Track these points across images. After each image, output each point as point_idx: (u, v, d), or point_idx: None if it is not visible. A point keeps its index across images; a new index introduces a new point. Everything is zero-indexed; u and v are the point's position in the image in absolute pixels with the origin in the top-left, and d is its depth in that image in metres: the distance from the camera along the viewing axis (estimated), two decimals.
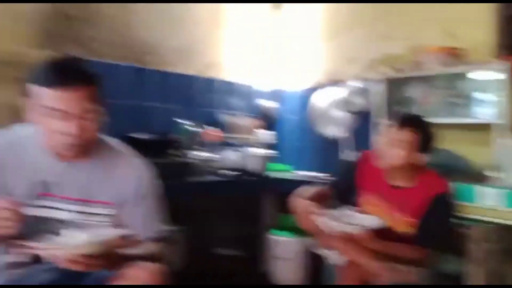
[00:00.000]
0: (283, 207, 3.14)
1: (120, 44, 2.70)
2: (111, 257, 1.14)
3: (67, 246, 1.06)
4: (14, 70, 2.26)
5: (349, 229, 1.62)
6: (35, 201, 1.24)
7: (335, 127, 2.98)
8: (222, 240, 2.88)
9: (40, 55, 2.34)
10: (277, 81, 3.57)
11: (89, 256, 1.07)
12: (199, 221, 2.72)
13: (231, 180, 2.70)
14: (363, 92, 2.90)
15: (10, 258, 1.24)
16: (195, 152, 2.70)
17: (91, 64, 1.26)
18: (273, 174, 3.03)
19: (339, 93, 3.00)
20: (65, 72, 1.16)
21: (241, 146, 3.20)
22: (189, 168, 2.57)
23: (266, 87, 3.53)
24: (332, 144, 3.09)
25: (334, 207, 1.83)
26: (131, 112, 2.70)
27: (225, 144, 3.12)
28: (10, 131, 1.31)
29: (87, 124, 1.20)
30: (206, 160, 2.70)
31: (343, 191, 1.93)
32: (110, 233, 1.15)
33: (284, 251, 2.94)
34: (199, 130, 2.88)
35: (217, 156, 2.96)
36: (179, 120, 2.83)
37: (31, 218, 1.22)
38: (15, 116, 2.19)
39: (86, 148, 1.26)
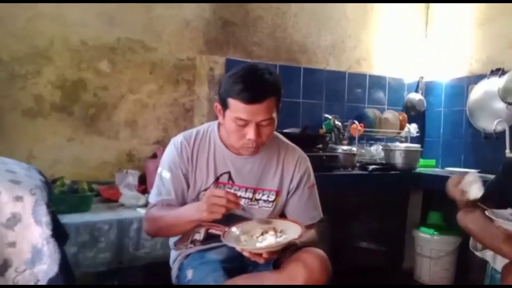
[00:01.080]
0: (430, 204, 3.06)
1: (274, 45, 2.91)
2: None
3: (252, 245, 1.23)
4: (185, 73, 2.63)
5: None
6: (217, 189, 1.45)
7: (494, 120, 2.75)
8: (365, 234, 2.92)
9: (206, 60, 2.69)
10: (426, 72, 3.43)
11: (269, 253, 1.22)
12: (344, 214, 2.81)
13: (377, 175, 2.71)
14: None
15: (190, 237, 1.48)
16: (342, 146, 2.78)
17: (273, 70, 1.38)
18: (420, 170, 2.94)
19: (499, 82, 2.75)
20: (255, 89, 1.31)
21: (387, 140, 3.18)
22: (336, 161, 2.66)
23: (414, 79, 3.42)
24: (489, 139, 2.86)
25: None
26: (283, 108, 2.87)
27: (372, 139, 3.15)
28: (200, 129, 1.53)
29: (265, 130, 1.37)
30: (353, 154, 2.76)
31: (505, 193, 1.81)
32: (293, 230, 1.28)
33: (430, 249, 2.85)
34: (347, 124, 2.95)
35: (363, 150, 3.01)
36: (327, 115, 2.95)
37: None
38: (185, 111, 2.61)
39: (263, 146, 1.45)
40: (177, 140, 1.50)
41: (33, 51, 2.23)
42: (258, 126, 1.34)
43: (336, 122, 2.92)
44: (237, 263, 1.36)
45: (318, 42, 3.06)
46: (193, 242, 1.48)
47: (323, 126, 2.94)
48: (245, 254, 1.22)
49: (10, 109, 2.20)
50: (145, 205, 2.02)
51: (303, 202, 1.52)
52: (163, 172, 1.47)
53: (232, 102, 1.33)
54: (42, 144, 2.27)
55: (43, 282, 0.91)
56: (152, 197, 1.49)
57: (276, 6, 2.90)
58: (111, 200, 2.14)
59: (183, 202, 1.45)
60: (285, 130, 2.63)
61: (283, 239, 1.24)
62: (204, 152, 1.48)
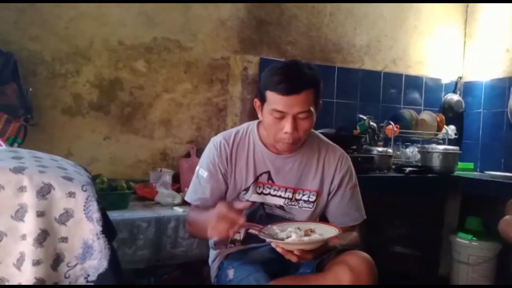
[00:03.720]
0: (469, 209, 2.96)
1: (308, 45, 2.88)
2: (323, 250, 1.23)
3: (284, 241, 1.20)
4: (219, 72, 2.63)
5: None
6: (257, 188, 1.45)
7: None
8: (401, 238, 2.85)
9: (241, 59, 2.68)
10: (465, 72, 3.33)
11: (301, 251, 1.18)
12: (378, 217, 2.74)
13: (413, 177, 2.64)
14: None
15: (235, 237, 1.46)
16: (377, 148, 2.73)
17: (313, 66, 1.37)
18: (458, 173, 2.85)
19: None
20: (293, 81, 1.29)
21: (424, 142, 3.10)
22: (371, 163, 2.61)
23: (452, 79, 3.32)
24: None
25: None
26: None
27: (408, 140, 3.07)
28: (240, 129, 1.52)
29: (303, 123, 1.33)
30: (388, 156, 2.70)
31: None
32: (315, 228, 1.26)
33: (468, 255, 2.76)
34: (382, 125, 2.89)
35: (399, 152, 2.94)
36: (362, 116, 2.90)
37: (253, 203, 1.44)
38: (218, 110, 2.61)
39: (300, 143, 1.42)
40: (216, 140, 1.49)
41: (73, 51, 2.27)
42: (295, 119, 1.32)
43: (371, 123, 2.86)
44: (278, 265, 1.34)
45: (354, 41, 3.01)
46: (233, 242, 1.47)
47: (358, 127, 2.89)
48: (278, 249, 1.19)
49: (51, 107, 2.24)
50: (181, 203, 2.04)
51: (345, 203, 1.49)
52: (201, 171, 1.46)
53: (269, 94, 1.32)
54: (80, 142, 2.31)
55: (93, 277, 0.92)
56: (188, 196, 1.49)
57: (312, 5, 2.87)
58: (147, 198, 2.16)
59: None
60: (319, 131, 2.58)
61: (314, 238, 1.21)
62: (243, 152, 1.46)
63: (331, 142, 1.55)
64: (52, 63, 2.24)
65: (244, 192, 1.44)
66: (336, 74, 2.94)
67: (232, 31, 2.65)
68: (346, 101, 2.98)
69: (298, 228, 1.25)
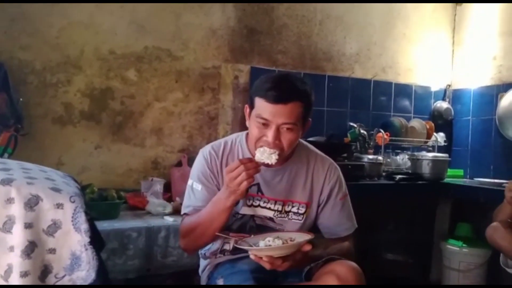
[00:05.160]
0: (459, 215, 2.98)
1: (299, 53, 2.91)
2: (300, 258, 1.23)
3: (261, 249, 1.21)
4: (210, 81, 2.65)
5: None
6: (248, 200, 1.44)
7: None
8: (392, 245, 2.86)
9: (231, 68, 2.70)
10: (453, 80, 3.37)
11: (279, 258, 1.19)
12: (369, 224, 2.75)
13: (403, 185, 2.66)
14: None
15: (220, 246, 1.47)
16: (367, 155, 2.75)
17: (306, 80, 1.39)
18: (448, 180, 2.88)
19: None
20: (281, 90, 1.29)
21: (414, 149, 3.13)
22: (361, 170, 2.63)
23: (441, 87, 3.37)
24: None
25: None
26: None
27: (398, 148, 3.10)
28: (228, 140, 1.52)
29: (286, 135, 1.33)
30: (379, 163, 2.72)
31: None
32: (298, 237, 1.27)
33: (459, 262, 2.78)
34: (372, 133, 2.92)
35: (389, 159, 2.96)
36: (352, 124, 2.92)
37: (242, 215, 1.45)
38: (210, 119, 2.62)
39: (283, 155, 1.42)
40: (206, 150, 1.49)
41: (64, 60, 2.28)
42: (278, 129, 1.31)
43: (362, 131, 2.89)
44: (267, 273, 1.34)
45: (343, 50, 3.05)
46: (223, 252, 1.47)
47: (348, 135, 2.91)
48: (252, 257, 1.21)
49: (42, 117, 2.24)
50: (172, 213, 2.04)
51: (336, 214, 1.49)
52: (194, 184, 1.45)
53: (258, 100, 1.32)
54: (71, 151, 2.31)
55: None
56: (184, 209, 1.48)
57: (302, 14, 2.90)
58: (138, 207, 2.15)
59: None
60: (309, 139, 2.61)
61: (279, 244, 1.23)
62: (232, 163, 1.47)
63: (320, 153, 1.55)
64: (43, 73, 2.24)
65: (235, 204, 1.44)
66: (326, 82, 2.97)
67: (223, 40, 2.67)
68: (337, 109, 3.00)
69: (278, 237, 1.26)
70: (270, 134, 1.31)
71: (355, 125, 2.91)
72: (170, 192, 2.37)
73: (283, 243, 1.22)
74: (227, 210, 1.32)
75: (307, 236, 1.25)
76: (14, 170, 0.97)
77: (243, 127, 1.50)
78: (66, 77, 2.29)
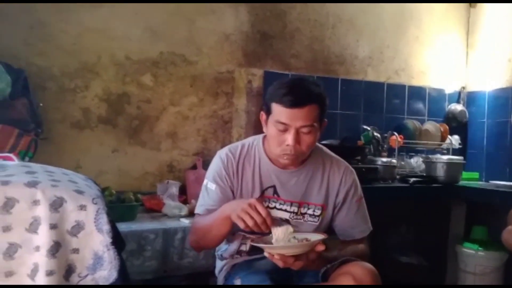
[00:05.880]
0: (474, 218, 2.96)
1: (312, 57, 2.93)
2: (313, 258, 1.25)
3: (275, 247, 1.23)
4: (224, 85, 2.68)
5: None
6: (264, 202, 1.45)
7: None
8: (406, 248, 2.85)
9: (245, 72, 2.72)
10: (468, 82, 3.35)
11: (292, 257, 1.21)
12: (383, 227, 2.75)
13: (418, 187, 2.65)
14: None
15: (237, 247, 1.50)
16: (381, 158, 2.75)
17: (319, 83, 1.42)
18: (463, 183, 2.86)
19: None
20: (297, 94, 1.33)
21: (428, 152, 3.12)
22: (375, 173, 2.63)
23: (455, 89, 3.35)
24: None
25: None
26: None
27: (412, 150, 3.09)
28: (245, 143, 1.55)
29: (304, 138, 1.37)
30: (393, 166, 2.71)
31: None
32: (312, 236, 1.29)
33: (475, 265, 2.75)
34: (386, 136, 2.92)
35: (403, 162, 2.96)
36: (366, 127, 2.93)
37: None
38: (224, 123, 2.65)
39: (303, 157, 1.45)
40: (223, 153, 1.52)
41: (81, 66, 2.33)
42: (298, 132, 1.35)
43: (375, 134, 2.89)
44: (284, 274, 1.36)
45: (356, 53, 3.05)
46: (240, 252, 1.50)
47: (362, 138, 2.91)
48: (266, 254, 1.23)
49: (60, 121, 2.29)
50: (188, 215, 2.07)
51: (351, 216, 1.51)
52: (209, 184, 1.49)
53: (274, 106, 1.36)
54: (89, 154, 2.35)
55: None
56: (197, 208, 1.52)
57: (314, 18, 2.92)
58: (154, 210, 2.19)
59: None
60: (323, 142, 2.61)
61: (292, 243, 1.24)
62: (249, 165, 1.49)
63: (335, 156, 1.57)
64: (61, 78, 2.29)
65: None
66: (339, 86, 2.97)
67: (237, 45, 2.70)
68: (350, 112, 3.01)
69: (294, 237, 1.28)
70: (290, 138, 1.34)
71: (369, 128, 2.91)
72: (186, 195, 2.40)
73: (295, 241, 1.24)
74: (225, 220, 1.32)
75: (321, 236, 1.27)
76: (39, 173, 1.01)
77: (256, 130, 1.52)
78: (84, 82, 2.34)
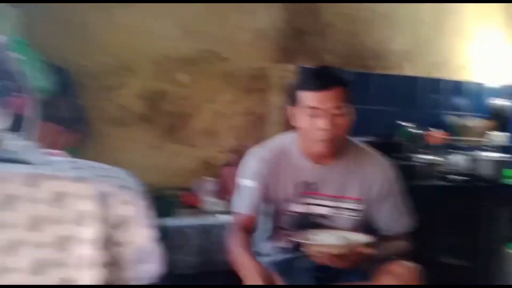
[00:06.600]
0: None
1: (346, 52, 2.88)
2: (356, 258, 1.24)
3: (321, 245, 1.23)
4: (259, 83, 2.68)
5: None
6: (300, 199, 1.46)
7: None
8: (449, 248, 2.76)
9: (279, 68, 2.71)
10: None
11: (338, 256, 1.21)
12: (423, 227, 2.67)
13: (459, 186, 2.57)
14: None
15: (278, 244, 1.50)
16: (419, 155, 2.68)
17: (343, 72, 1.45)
18: (508, 181, 2.74)
19: None
20: (323, 77, 1.37)
21: (470, 149, 3.01)
22: (413, 171, 2.56)
23: (498, 84, 3.22)
24: None
25: None
26: (357, 116, 2.82)
27: (453, 147, 2.99)
28: (277, 140, 1.55)
29: (337, 120, 1.35)
30: (432, 164, 2.64)
31: None
32: (357, 237, 1.27)
33: None
34: (424, 132, 2.84)
35: (443, 159, 2.86)
36: (403, 123, 2.85)
37: (296, 213, 1.46)
38: (258, 119, 2.65)
39: (338, 150, 1.43)
40: (257, 151, 1.52)
41: (119, 64, 2.38)
42: (329, 115, 1.34)
43: (413, 130, 2.82)
44: (328, 272, 1.35)
45: (392, 47, 2.98)
46: (281, 250, 1.49)
47: (399, 134, 2.84)
48: (308, 251, 1.24)
49: (99, 118, 2.35)
50: (224, 211, 2.08)
51: (393, 210, 1.48)
52: (245, 182, 1.48)
53: (301, 94, 1.37)
54: (127, 151, 2.40)
55: (147, 280, 0.97)
56: (236, 207, 1.52)
57: (349, 13, 2.87)
58: (192, 206, 2.22)
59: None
60: (358, 138, 2.57)
61: (332, 239, 1.23)
62: (283, 162, 1.48)
63: (372, 150, 1.55)
64: (99, 76, 2.35)
65: (287, 202, 1.46)
66: (374, 81, 2.92)
67: (270, 41, 2.70)
68: (386, 108, 2.94)
69: (334, 235, 1.27)
70: (321, 121, 1.34)
71: (406, 124, 2.84)
72: (221, 191, 2.42)
73: (340, 241, 1.22)
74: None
75: (365, 238, 1.25)
76: (85, 169, 1.04)
77: (291, 126, 1.51)
78: (122, 80, 2.39)
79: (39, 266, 0.90)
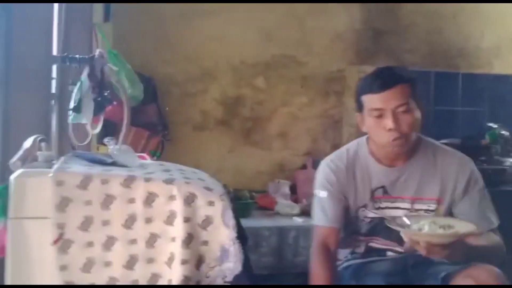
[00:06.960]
0: None
1: (429, 51, 2.76)
2: (459, 248, 1.19)
3: (422, 234, 1.17)
4: (336, 85, 2.66)
5: None
6: (375, 203, 1.44)
7: None
8: None
9: (356, 70, 2.67)
10: None
11: (437, 245, 1.15)
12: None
13: None
14: None
15: (349, 248, 1.48)
16: (510, 159, 2.48)
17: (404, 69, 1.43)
18: None
19: None
20: (383, 77, 1.34)
21: None
22: (502, 176, 2.39)
23: None
24: None
25: None
26: (441, 117, 2.71)
27: None
28: (349, 148, 1.52)
29: (404, 118, 1.31)
30: None
31: None
32: (456, 224, 1.21)
33: None
34: None
35: None
36: (492, 124, 2.67)
37: (372, 218, 1.44)
38: (334, 122, 2.63)
39: (410, 150, 1.38)
40: (329, 160, 1.50)
41: (202, 72, 2.51)
42: (394, 114, 1.30)
43: (503, 132, 2.62)
44: (401, 277, 1.32)
45: (480, 44, 2.80)
46: (354, 254, 1.48)
47: (487, 136, 2.66)
48: (406, 239, 1.19)
49: (182, 123, 2.50)
50: (299, 214, 2.10)
51: (475, 208, 1.39)
52: (321, 194, 1.47)
53: (365, 98, 1.35)
54: (207, 154, 2.52)
55: (229, 278, 1.02)
56: (316, 220, 1.48)
57: (433, 10, 2.74)
58: (267, 208, 2.27)
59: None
60: (442, 141, 2.45)
61: (447, 231, 1.16)
62: (356, 169, 1.46)
63: (448, 148, 1.49)
64: (183, 84, 2.50)
65: (363, 209, 1.44)
66: (460, 81, 2.76)
67: (348, 43, 2.67)
68: (473, 109, 2.77)
69: (433, 222, 1.22)
70: (388, 121, 1.30)
71: (495, 126, 2.65)
72: (296, 194, 2.44)
73: (441, 229, 1.18)
74: None
75: (471, 227, 1.19)
76: (173, 171, 1.12)
77: (363, 132, 1.50)
78: (203, 87, 2.52)
79: (132, 261, 0.99)
